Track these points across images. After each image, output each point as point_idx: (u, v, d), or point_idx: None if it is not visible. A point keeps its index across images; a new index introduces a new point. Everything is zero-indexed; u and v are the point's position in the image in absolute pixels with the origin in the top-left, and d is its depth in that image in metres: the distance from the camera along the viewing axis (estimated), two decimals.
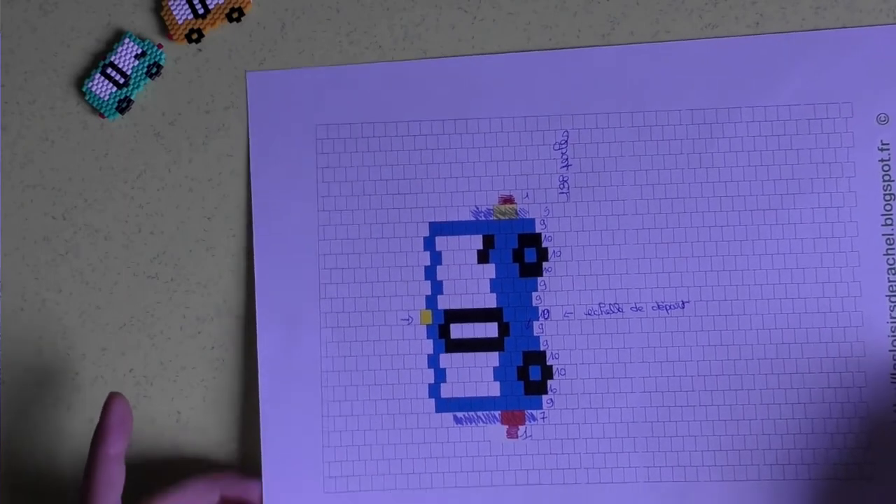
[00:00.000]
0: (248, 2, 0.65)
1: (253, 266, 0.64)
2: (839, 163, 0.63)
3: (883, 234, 0.62)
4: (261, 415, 0.63)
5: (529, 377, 0.63)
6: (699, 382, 0.62)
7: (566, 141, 0.64)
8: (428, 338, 0.63)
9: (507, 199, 0.64)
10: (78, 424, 0.65)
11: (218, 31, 0.66)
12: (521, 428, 0.63)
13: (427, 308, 0.64)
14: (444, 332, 0.63)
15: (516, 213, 0.64)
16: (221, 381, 0.64)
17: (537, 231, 0.64)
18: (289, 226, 0.64)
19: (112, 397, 0.59)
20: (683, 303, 0.63)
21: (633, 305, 0.63)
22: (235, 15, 0.65)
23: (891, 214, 0.62)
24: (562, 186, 0.64)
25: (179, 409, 0.64)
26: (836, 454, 0.62)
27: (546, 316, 0.63)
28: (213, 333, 0.65)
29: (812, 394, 0.62)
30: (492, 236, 0.64)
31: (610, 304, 0.63)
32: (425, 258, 0.64)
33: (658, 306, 0.63)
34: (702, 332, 0.62)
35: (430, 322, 0.64)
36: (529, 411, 0.63)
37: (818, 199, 0.63)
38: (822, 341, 0.62)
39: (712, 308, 0.62)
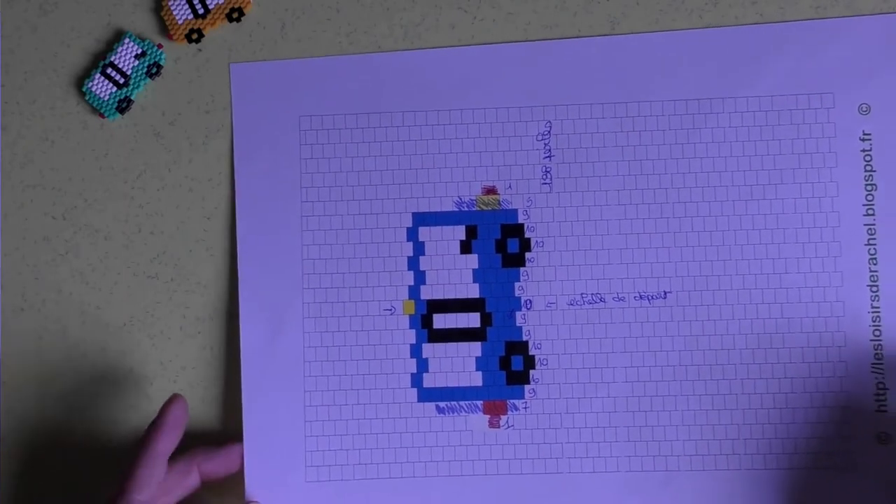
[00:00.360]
0: (248, 2, 0.65)
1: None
2: (821, 153, 0.63)
3: (864, 224, 0.62)
4: (243, 404, 0.63)
5: (511, 367, 0.63)
6: (681, 372, 0.62)
7: (549, 132, 0.64)
8: (410, 328, 0.64)
9: (490, 190, 0.64)
10: (78, 424, 0.65)
11: (218, 31, 0.66)
12: (504, 418, 0.63)
13: (410, 298, 0.64)
14: (426, 322, 0.64)
15: (499, 204, 0.64)
16: (221, 381, 0.64)
17: (520, 221, 0.64)
18: (272, 216, 0.64)
19: (174, 398, 0.60)
20: (665, 293, 0.63)
21: (616, 296, 0.63)
22: (235, 15, 0.65)
23: (872, 204, 0.62)
24: (545, 177, 0.64)
25: None
26: (816, 444, 0.62)
27: (528, 306, 0.63)
28: (213, 333, 0.65)
29: (793, 383, 0.62)
30: (475, 227, 0.64)
31: (592, 294, 0.63)
32: (408, 249, 0.64)
33: (640, 296, 0.63)
34: (683, 322, 0.63)
35: (412, 312, 0.64)
36: (511, 401, 0.63)
37: (800, 189, 0.63)
38: (804, 331, 0.62)
39: (694, 298, 0.63)
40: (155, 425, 0.59)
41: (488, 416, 0.63)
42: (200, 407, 0.64)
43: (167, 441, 0.59)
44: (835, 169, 0.63)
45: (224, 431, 0.64)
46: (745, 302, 0.62)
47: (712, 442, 0.62)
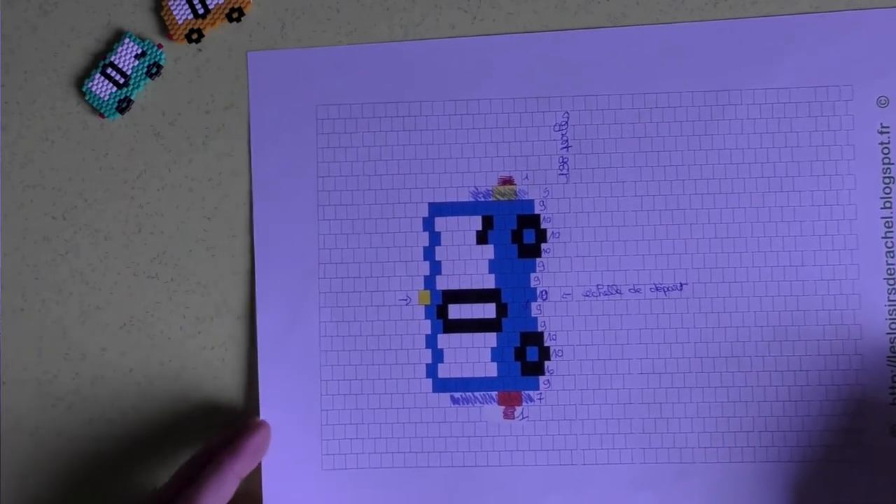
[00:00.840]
0: (248, 2, 0.65)
1: (254, 265, 0.64)
2: (839, 145, 0.63)
3: (882, 217, 0.62)
4: (260, 393, 0.63)
5: (527, 358, 0.63)
6: (696, 364, 0.62)
7: (566, 122, 0.64)
8: (426, 318, 0.64)
9: (507, 180, 0.64)
10: (78, 425, 0.65)
11: (218, 31, 0.66)
12: (518, 409, 0.63)
13: (425, 288, 0.64)
14: (442, 312, 0.64)
15: (515, 195, 0.64)
16: (221, 380, 0.65)
17: (536, 212, 0.64)
18: (288, 206, 0.64)
19: (262, 424, 0.61)
20: (681, 284, 0.63)
21: (632, 287, 0.63)
22: (235, 15, 0.65)
23: (890, 197, 0.62)
24: (561, 168, 0.64)
25: (180, 408, 0.65)
26: (831, 436, 0.62)
27: (544, 297, 0.63)
28: (213, 333, 0.65)
29: (809, 376, 0.62)
30: (491, 217, 0.64)
31: (608, 285, 0.63)
32: (424, 239, 0.64)
33: (656, 288, 0.63)
34: (699, 313, 0.63)
35: (428, 302, 0.64)
36: (526, 392, 0.63)
37: (817, 181, 0.63)
38: (820, 324, 0.62)
39: (710, 290, 0.63)
40: (234, 447, 0.59)
41: (503, 407, 0.63)
42: (201, 406, 0.65)
43: (245, 465, 0.59)
44: (852, 161, 0.62)
45: (224, 432, 0.64)
46: (762, 294, 0.62)
47: (727, 434, 0.62)
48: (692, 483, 0.62)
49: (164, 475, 0.64)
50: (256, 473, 0.63)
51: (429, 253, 0.64)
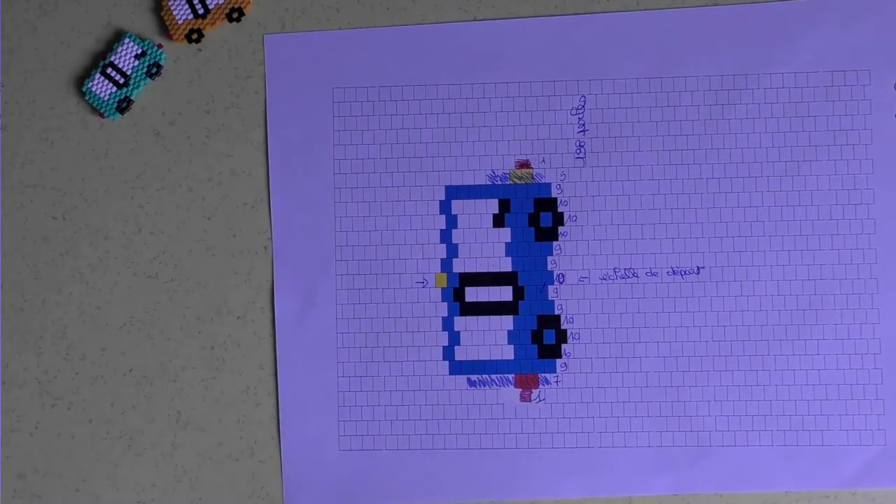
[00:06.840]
0: (248, 2, 0.65)
1: (255, 266, 0.64)
2: (856, 130, 0.63)
3: None
4: (278, 375, 0.63)
5: (543, 341, 0.63)
6: (713, 348, 0.62)
7: (583, 106, 0.64)
8: (443, 301, 0.64)
9: (524, 164, 0.64)
10: (78, 425, 0.65)
11: (218, 31, 0.65)
12: (535, 391, 0.63)
13: (442, 271, 0.64)
14: (458, 295, 0.64)
15: (532, 178, 0.64)
16: (221, 381, 0.64)
17: (553, 195, 0.64)
18: (305, 189, 0.64)
19: None
20: (699, 268, 0.63)
21: (649, 270, 0.63)
22: (235, 15, 0.65)
23: None
24: (578, 151, 0.64)
25: (179, 409, 0.64)
26: (850, 421, 0.62)
27: (561, 280, 0.63)
28: (213, 333, 0.65)
29: (826, 360, 0.62)
30: (507, 200, 0.64)
31: (625, 268, 0.63)
32: (441, 222, 0.64)
33: (673, 271, 0.63)
34: (717, 297, 0.62)
35: (444, 285, 0.64)
36: (543, 375, 0.63)
37: (835, 165, 0.63)
38: (837, 307, 0.62)
39: (727, 274, 0.63)
40: None
41: (520, 390, 0.63)
42: (201, 407, 0.64)
43: None
44: (870, 146, 0.62)
45: (223, 431, 0.64)
46: (779, 278, 0.62)
47: (744, 418, 0.62)
48: (709, 465, 0.62)
49: (164, 475, 0.64)
50: (276, 454, 0.63)
51: (445, 236, 0.64)
